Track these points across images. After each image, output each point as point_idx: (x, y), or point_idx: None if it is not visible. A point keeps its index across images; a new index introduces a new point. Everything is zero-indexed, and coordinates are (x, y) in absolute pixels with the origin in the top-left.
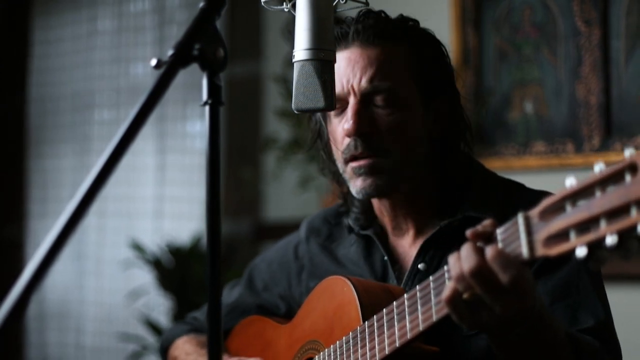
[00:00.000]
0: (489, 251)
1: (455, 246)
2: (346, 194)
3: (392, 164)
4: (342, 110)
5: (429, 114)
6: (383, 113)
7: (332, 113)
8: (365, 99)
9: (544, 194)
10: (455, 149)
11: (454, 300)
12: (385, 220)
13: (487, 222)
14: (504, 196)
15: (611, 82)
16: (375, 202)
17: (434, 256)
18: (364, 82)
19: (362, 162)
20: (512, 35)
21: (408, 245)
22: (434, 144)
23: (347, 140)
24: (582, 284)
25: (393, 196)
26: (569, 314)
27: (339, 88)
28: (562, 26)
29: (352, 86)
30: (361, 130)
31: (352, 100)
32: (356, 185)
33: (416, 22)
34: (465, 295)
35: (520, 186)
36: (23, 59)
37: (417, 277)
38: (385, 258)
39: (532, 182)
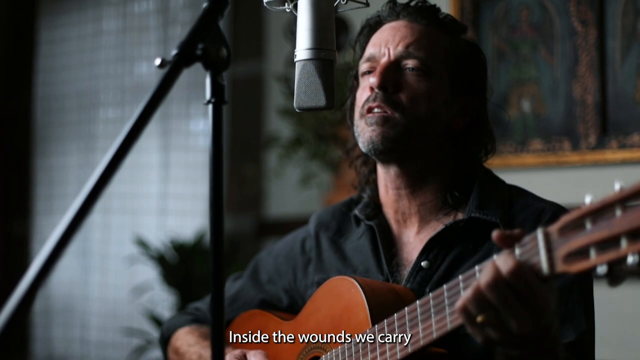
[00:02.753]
0: (507, 264)
1: (458, 245)
2: (361, 181)
3: (405, 124)
4: (372, 71)
5: (454, 105)
6: (411, 77)
7: (362, 75)
8: (397, 62)
9: (549, 203)
10: (470, 150)
11: (466, 315)
12: (389, 204)
13: (517, 231)
14: (510, 201)
15: (607, 81)
16: (381, 184)
17: (437, 254)
18: (400, 47)
19: (377, 114)
20: (509, 35)
21: (411, 237)
22: (453, 137)
23: (369, 93)
24: (571, 296)
25: (399, 168)
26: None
27: (376, 49)
28: (558, 26)
29: (388, 48)
30: (384, 84)
31: (384, 60)
32: (365, 135)
33: (465, 27)
34: (479, 319)
35: (527, 193)
36: (29, 59)
37: (420, 274)
38: (382, 257)
39: (529, 179)
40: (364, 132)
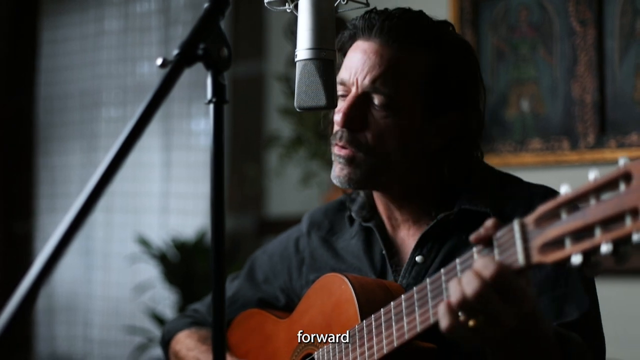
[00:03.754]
0: (488, 270)
1: (451, 237)
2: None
3: (371, 163)
4: (344, 95)
5: (430, 128)
6: (377, 114)
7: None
8: (364, 96)
9: (539, 188)
10: (453, 163)
11: (454, 327)
12: (381, 210)
13: (488, 224)
14: (500, 189)
15: (606, 81)
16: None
17: (431, 248)
18: (367, 80)
19: (342, 152)
20: (509, 35)
21: (406, 237)
22: (432, 155)
23: (337, 128)
24: (570, 276)
25: (380, 190)
26: (555, 307)
27: (347, 75)
28: (557, 26)
29: (357, 79)
30: (348, 125)
31: (352, 92)
32: (334, 171)
33: (452, 29)
34: (471, 323)
35: (517, 180)
36: (32, 58)
37: (415, 269)
38: (384, 252)
39: (528, 178)
40: (334, 165)
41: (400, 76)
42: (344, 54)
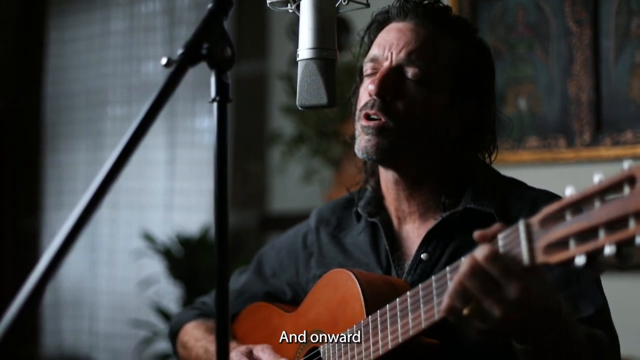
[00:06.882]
0: (482, 252)
1: (457, 237)
2: (366, 171)
3: (400, 134)
4: (375, 73)
5: (453, 112)
6: (410, 86)
7: (365, 75)
8: (398, 69)
9: (543, 192)
10: (468, 151)
11: (453, 311)
12: (389, 200)
13: (496, 226)
14: (505, 191)
15: (601, 80)
16: (382, 180)
17: (436, 246)
18: (402, 54)
19: (371, 123)
20: (506, 35)
21: (411, 232)
22: (451, 142)
23: (368, 98)
24: (582, 275)
25: (396, 172)
26: (570, 305)
27: (379, 51)
28: (554, 26)
29: (391, 52)
30: (382, 92)
31: (385, 65)
32: (360, 144)
33: (476, 29)
34: (465, 312)
35: (521, 184)
36: (39, 58)
37: (420, 266)
38: (387, 248)
39: (526, 175)
40: (360, 139)
41: (434, 54)
42: (372, 40)
